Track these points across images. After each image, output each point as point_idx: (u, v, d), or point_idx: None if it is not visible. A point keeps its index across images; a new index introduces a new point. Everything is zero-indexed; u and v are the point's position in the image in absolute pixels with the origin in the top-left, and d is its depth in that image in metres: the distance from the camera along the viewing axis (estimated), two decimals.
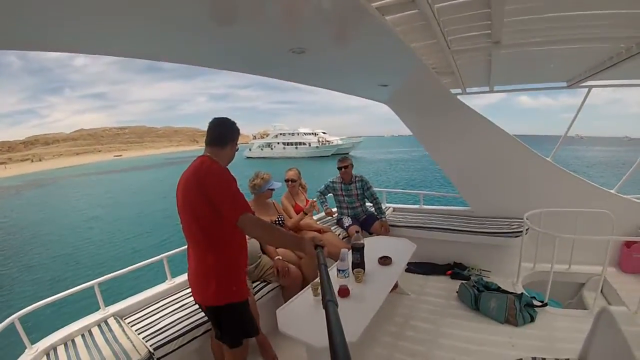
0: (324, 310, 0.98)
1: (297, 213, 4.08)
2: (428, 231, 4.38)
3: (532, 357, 2.14)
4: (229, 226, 1.88)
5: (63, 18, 1.41)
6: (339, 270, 2.50)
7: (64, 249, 15.93)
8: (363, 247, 2.83)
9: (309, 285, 2.60)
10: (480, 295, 3.25)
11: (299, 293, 2.65)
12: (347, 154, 60.23)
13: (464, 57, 3.19)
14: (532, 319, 3.04)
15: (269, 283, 3.16)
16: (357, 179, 4.51)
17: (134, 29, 1.69)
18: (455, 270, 4.13)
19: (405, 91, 3.91)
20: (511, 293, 3.23)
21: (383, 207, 5.15)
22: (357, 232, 3.05)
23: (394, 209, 5.28)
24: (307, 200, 4.30)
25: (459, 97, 4.04)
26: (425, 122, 4.46)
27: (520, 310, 3.01)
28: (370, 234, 4.37)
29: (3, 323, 2.19)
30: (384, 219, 4.38)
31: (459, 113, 3.98)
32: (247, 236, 2.15)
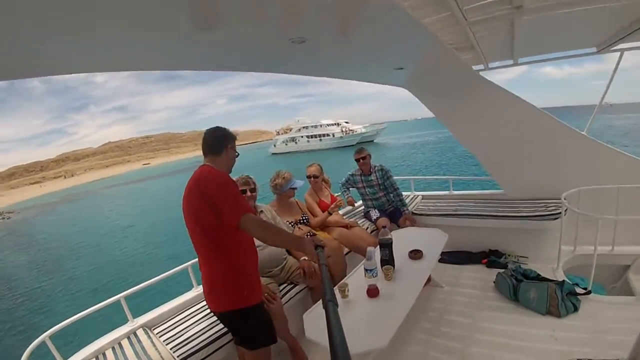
0: (350, 313, 0.87)
1: (322, 209, 3.98)
2: (460, 218, 4.16)
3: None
4: (233, 230, 1.89)
5: (78, 41, 1.49)
6: (366, 270, 2.36)
7: (102, 259, 16.48)
8: (391, 243, 2.68)
9: (336, 287, 2.48)
10: (519, 285, 3.03)
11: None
12: (372, 141, 60.77)
13: (483, 28, 2.92)
14: (576, 309, 2.80)
15: (296, 285, 3.07)
16: (376, 168, 4.34)
17: (121, 41, 1.66)
18: (491, 258, 3.90)
19: (423, 72, 3.70)
20: (552, 281, 3.00)
21: (411, 196, 5.03)
22: (384, 226, 2.92)
23: (423, 197, 5.08)
24: (332, 195, 4.20)
25: (481, 73, 3.81)
26: (447, 103, 4.21)
27: (562, 299, 2.79)
28: (399, 226, 4.17)
29: (33, 343, 2.24)
30: (406, 211, 4.19)
31: (482, 90, 3.76)
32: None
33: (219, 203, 1.87)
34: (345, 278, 2.75)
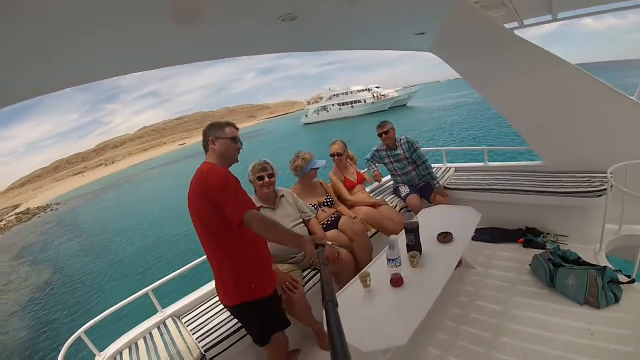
0: (371, 306, 0.81)
1: (348, 188, 3.88)
2: (495, 194, 3.87)
3: None
4: (237, 227, 1.89)
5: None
6: (389, 260, 2.22)
7: (146, 242, 17.10)
8: (417, 227, 2.51)
9: (357, 277, 2.37)
10: (556, 271, 2.77)
11: (347, 284, 2.44)
12: (405, 105, 59.31)
13: None
14: (617, 300, 2.50)
15: (320, 271, 2.99)
16: (402, 141, 4.13)
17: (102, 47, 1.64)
18: (528, 237, 3.62)
19: (450, 35, 3.39)
20: (593, 266, 2.71)
21: (443, 168, 4.76)
22: (409, 211, 2.75)
23: (456, 170, 4.78)
24: (359, 173, 4.06)
25: (516, 32, 3.42)
26: (479, 67, 3.81)
27: (602, 288, 2.50)
28: (430, 202, 3.99)
29: (70, 339, 2.40)
30: (437, 186, 3.97)
31: (517, 51, 3.35)
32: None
33: (220, 202, 1.88)
34: (368, 266, 2.63)
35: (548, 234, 3.60)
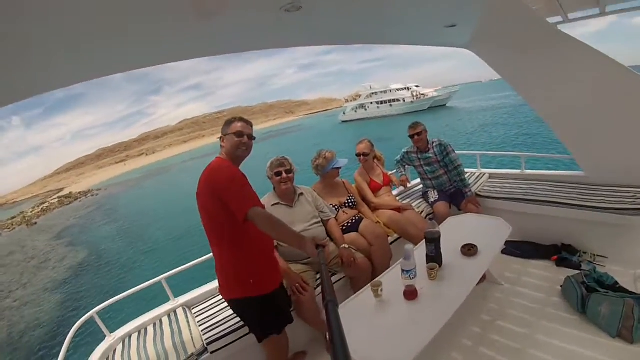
0: (380, 317, 0.79)
1: (373, 190, 3.74)
2: (530, 204, 3.59)
3: None
4: (241, 223, 1.90)
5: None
6: (403, 271, 2.07)
7: (178, 231, 17.51)
8: (439, 237, 2.35)
9: (368, 285, 2.24)
10: (589, 297, 2.49)
11: (358, 292, 2.32)
12: (444, 105, 58.38)
13: None
14: None
15: (334, 274, 2.90)
16: (434, 143, 3.91)
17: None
18: (562, 255, 3.32)
19: (486, 30, 3.15)
20: (631, 294, 2.43)
21: (477, 174, 4.53)
22: (431, 219, 2.58)
23: (490, 176, 4.50)
24: (385, 174, 3.90)
25: (559, 27, 3.08)
26: (518, 65, 3.52)
27: (639, 321, 2.23)
28: (460, 210, 3.77)
29: (82, 318, 2.53)
30: (469, 193, 3.73)
31: (561, 47, 3.05)
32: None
33: (226, 197, 1.91)
34: (382, 275, 2.49)
35: (585, 253, 3.30)
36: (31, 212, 54.44)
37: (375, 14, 2.31)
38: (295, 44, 2.69)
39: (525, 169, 4.25)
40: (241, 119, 2.16)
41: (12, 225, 45.18)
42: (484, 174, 4.52)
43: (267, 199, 2.94)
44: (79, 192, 64.88)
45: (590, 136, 3.41)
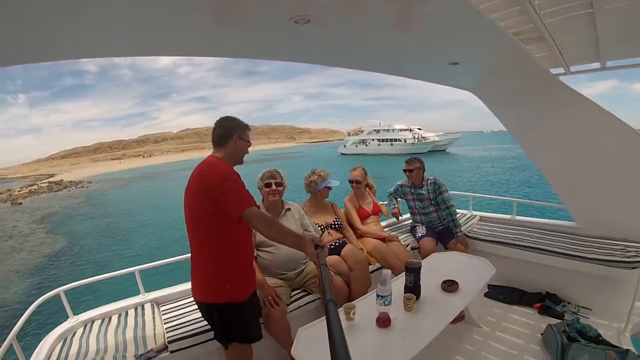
0: (348, 341, 0.87)
1: (361, 218, 3.69)
2: (518, 250, 3.53)
3: None
4: (230, 224, 1.89)
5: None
6: (378, 296, 1.98)
7: (162, 242, 17.14)
8: (419, 268, 2.28)
9: (342, 307, 2.13)
10: (569, 346, 2.39)
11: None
12: (444, 150, 58.76)
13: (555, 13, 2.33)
14: None
15: (310, 293, 2.83)
16: (429, 181, 3.89)
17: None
18: (546, 303, 3.24)
19: (490, 74, 3.15)
20: (613, 347, 2.35)
21: (467, 215, 4.51)
22: (413, 248, 2.51)
23: (481, 218, 4.48)
24: (375, 203, 3.85)
25: (561, 78, 3.10)
26: (518, 112, 3.54)
27: None
28: (447, 248, 3.72)
29: (49, 293, 2.53)
30: (459, 234, 3.68)
31: (562, 99, 3.05)
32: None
33: (220, 196, 1.87)
34: (358, 299, 2.40)
35: (569, 303, 3.23)
36: (18, 191, 53.16)
37: (378, 42, 2.30)
38: (298, 58, 2.67)
39: (516, 215, 4.22)
40: (249, 127, 2.21)
41: None
42: (475, 215, 4.50)
43: None
44: (70, 181, 63.74)
45: (584, 188, 3.40)
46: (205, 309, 2.17)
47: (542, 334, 2.75)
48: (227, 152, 2.09)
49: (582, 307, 3.17)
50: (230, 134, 2.09)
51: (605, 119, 3.00)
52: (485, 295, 3.54)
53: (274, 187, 2.86)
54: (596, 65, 3.32)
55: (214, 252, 2.02)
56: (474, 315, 3.04)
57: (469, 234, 3.96)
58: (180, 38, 1.97)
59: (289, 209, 3.02)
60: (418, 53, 2.66)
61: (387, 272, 2.02)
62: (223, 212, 1.87)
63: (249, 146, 2.19)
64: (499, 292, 3.53)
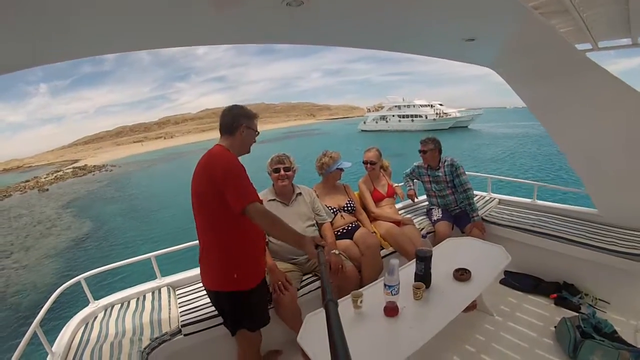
0: (355, 329, 0.95)
1: (375, 200, 3.63)
2: (537, 237, 3.40)
3: None
4: (235, 215, 1.87)
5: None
6: (385, 286, 1.95)
7: (184, 221, 17.46)
8: (430, 257, 2.24)
9: (350, 295, 2.13)
10: (583, 343, 2.30)
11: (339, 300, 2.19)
12: (466, 127, 58.10)
13: None
14: None
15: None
16: (446, 162, 3.77)
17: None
18: (562, 294, 3.13)
19: (511, 50, 2.98)
20: (629, 346, 2.25)
21: (486, 197, 4.39)
22: (423, 236, 2.45)
23: (500, 202, 4.33)
24: (390, 185, 3.78)
25: (587, 54, 2.82)
26: (541, 90, 3.30)
27: None
28: (463, 232, 3.64)
29: (70, 281, 2.65)
30: (476, 218, 3.57)
31: (588, 77, 2.80)
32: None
33: (224, 188, 1.87)
34: (367, 286, 2.37)
35: (586, 295, 3.10)
36: (45, 178, 55.14)
37: (382, 19, 2.13)
38: (298, 40, 2.56)
39: (537, 200, 4.07)
40: (257, 115, 2.19)
41: (25, 188, 45.86)
42: (494, 198, 4.36)
43: (265, 194, 2.92)
44: (94, 166, 65.54)
45: (609, 174, 3.21)
46: (214, 296, 2.19)
47: (555, 327, 2.67)
48: (234, 141, 2.07)
49: (600, 300, 3.04)
50: (238, 123, 2.06)
51: (635, 100, 2.76)
52: (501, 282, 3.45)
53: (282, 172, 2.85)
54: (627, 41, 3.04)
55: (221, 241, 2.02)
56: (487, 303, 2.98)
57: (486, 218, 3.84)
58: (174, 29, 1.92)
59: (300, 194, 3.01)
60: (429, 28, 2.47)
61: (394, 261, 1.99)
62: (228, 203, 1.88)
63: (257, 135, 2.17)
64: (515, 280, 3.44)
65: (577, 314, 2.68)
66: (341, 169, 3.37)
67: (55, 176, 55.44)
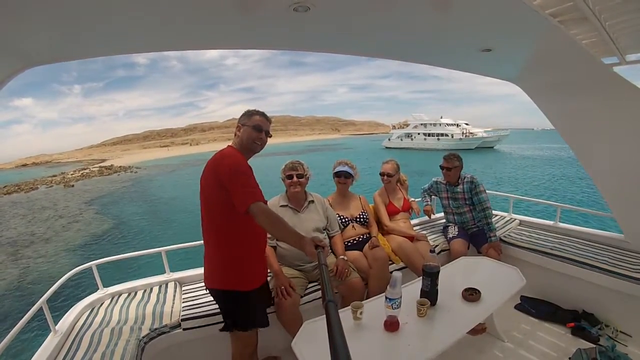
0: (352, 341, 0.91)
1: (390, 214, 3.56)
2: (558, 261, 3.22)
3: None
4: (239, 215, 1.88)
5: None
6: (386, 299, 1.87)
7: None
8: (437, 274, 2.15)
9: (350, 305, 2.06)
10: None
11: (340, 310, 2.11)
12: (492, 147, 57.10)
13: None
14: None
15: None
16: (466, 179, 3.67)
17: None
18: (581, 323, 2.94)
19: (532, 62, 2.83)
20: None
21: (506, 218, 4.24)
22: (431, 251, 2.34)
23: (521, 222, 4.16)
24: (406, 199, 3.69)
25: (615, 69, 2.63)
26: (566, 107, 3.11)
27: None
28: (479, 252, 3.50)
29: (82, 266, 2.84)
30: (493, 238, 3.43)
31: (616, 93, 2.62)
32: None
33: (230, 186, 1.89)
34: (370, 299, 2.31)
35: (607, 326, 2.90)
36: (71, 174, 57.22)
37: (391, 26, 2.02)
38: (305, 47, 2.55)
39: (559, 222, 3.88)
40: (262, 114, 2.16)
41: (51, 182, 47.58)
42: (515, 219, 4.19)
43: (277, 200, 2.96)
44: (120, 166, 67.27)
45: (638, 197, 3.01)
46: (215, 294, 2.22)
47: (569, 358, 2.51)
48: (237, 141, 2.13)
49: (621, 332, 2.84)
50: (238, 123, 2.15)
51: None
52: (516, 307, 3.30)
53: (295, 178, 2.88)
54: None
55: (224, 241, 2.06)
56: (499, 328, 2.84)
57: (505, 239, 3.68)
58: (181, 34, 1.96)
59: (312, 201, 3.02)
60: (440, 36, 2.32)
61: (397, 274, 1.92)
62: (232, 203, 1.90)
63: (256, 130, 2.10)
64: (531, 306, 3.27)
65: (594, 346, 2.53)
66: (340, 174, 3.32)
67: (82, 173, 57.29)
